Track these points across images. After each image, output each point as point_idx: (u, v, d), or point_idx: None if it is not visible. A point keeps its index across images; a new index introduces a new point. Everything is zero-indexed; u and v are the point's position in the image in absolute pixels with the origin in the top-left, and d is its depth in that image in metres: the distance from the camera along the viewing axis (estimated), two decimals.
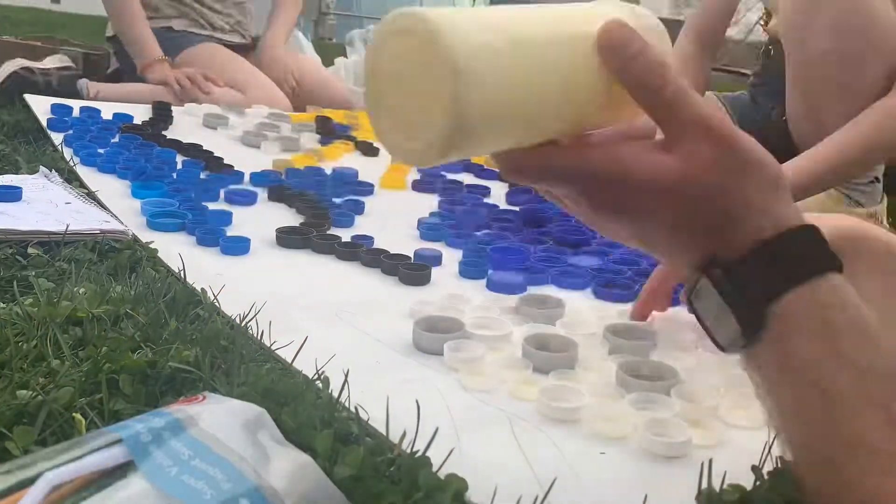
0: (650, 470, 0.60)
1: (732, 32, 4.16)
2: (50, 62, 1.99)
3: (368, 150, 1.77)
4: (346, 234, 1.12)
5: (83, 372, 0.63)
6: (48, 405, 0.57)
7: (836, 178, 1.40)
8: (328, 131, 1.89)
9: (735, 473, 0.57)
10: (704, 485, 0.55)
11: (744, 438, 0.65)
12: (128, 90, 2.00)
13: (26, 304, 0.73)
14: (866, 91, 1.35)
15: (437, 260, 1.06)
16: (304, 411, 0.58)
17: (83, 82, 1.96)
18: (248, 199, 1.28)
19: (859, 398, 0.46)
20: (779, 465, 0.58)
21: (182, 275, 0.90)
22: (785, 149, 1.36)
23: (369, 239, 1.11)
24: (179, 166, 1.42)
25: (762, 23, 1.97)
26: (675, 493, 0.57)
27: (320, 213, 1.21)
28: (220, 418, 0.48)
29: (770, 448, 0.61)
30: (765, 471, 0.58)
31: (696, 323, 0.52)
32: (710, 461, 0.57)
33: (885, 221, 1.52)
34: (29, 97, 1.74)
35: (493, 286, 0.99)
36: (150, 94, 1.96)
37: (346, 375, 0.65)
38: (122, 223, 1.04)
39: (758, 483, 0.57)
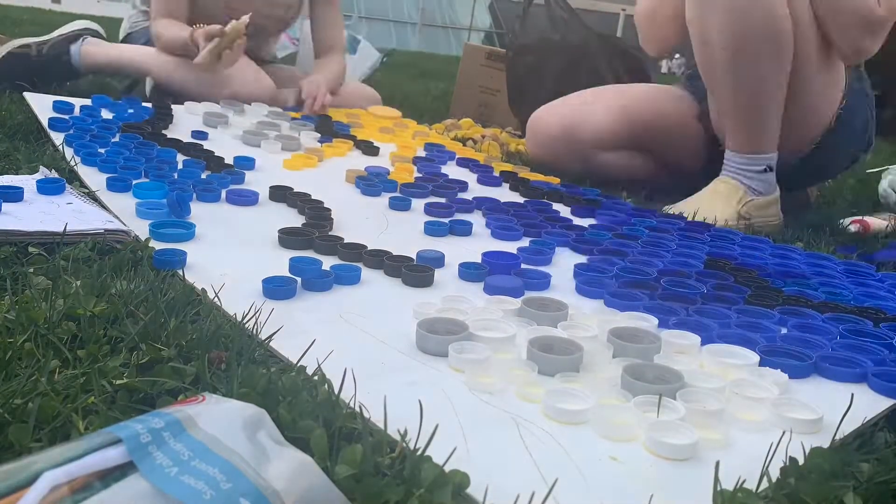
0: (656, 472, 0.59)
1: None
2: (59, 31, 1.87)
3: (368, 150, 1.76)
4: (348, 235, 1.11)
5: (82, 370, 0.62)
6: (47, 404, 0.56)
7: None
8: (328, 130, 1.89)
9: (742, 475, 0.56)
10: (715, 487, 0.55)
11: (749, 441, 0.65)
12: (123, 54, 1.91)
13: (24, 302, 0.73)
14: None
15: (439, 262, 1.06)
16: (299, 407, 0.58)
17: (76, 47, 1.84)
18: (249, 200, 1.27)
19: None
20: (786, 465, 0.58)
21: (182, 274, 0.89)
22: None
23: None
24: (180, 166, 1.41)
25: None
26: (681, 496, 0.56)
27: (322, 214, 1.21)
28: (220, 418, 0.47)
29: (776, 450, 0.60)
30: (771, 472, 0.58)
31: None
32: (717, 463, 0.57)
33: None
34: (29, 96, 1.73)
35: (490, 290, 0.98)
36: (147, 60, 1.91)
37: (346, 373, 0.65)
38: (124, 224, 1.03)
39: (765, 484, 0.57)
